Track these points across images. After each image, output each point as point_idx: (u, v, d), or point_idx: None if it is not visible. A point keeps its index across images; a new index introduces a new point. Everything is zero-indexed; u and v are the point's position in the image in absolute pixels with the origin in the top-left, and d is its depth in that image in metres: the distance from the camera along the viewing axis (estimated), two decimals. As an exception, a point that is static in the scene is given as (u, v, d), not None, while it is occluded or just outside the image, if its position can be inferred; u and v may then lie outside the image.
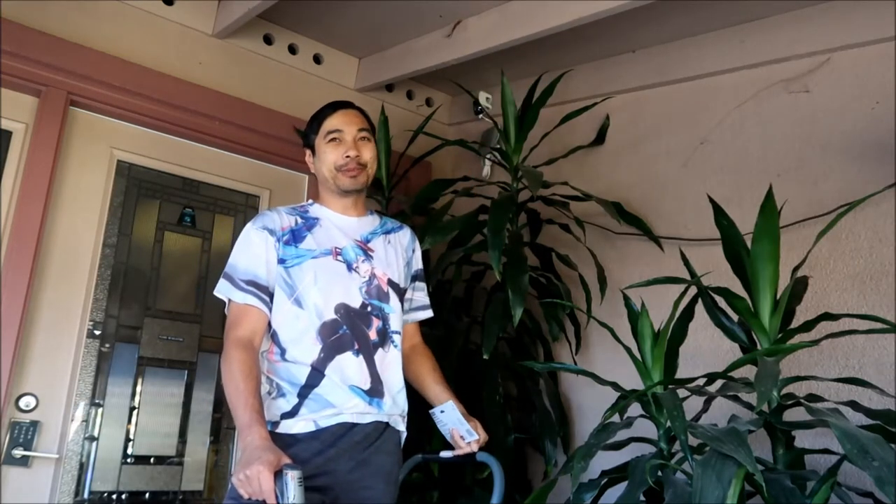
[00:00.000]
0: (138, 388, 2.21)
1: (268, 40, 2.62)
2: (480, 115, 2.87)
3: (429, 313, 1.80)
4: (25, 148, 2.09)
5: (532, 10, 2.22)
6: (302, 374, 1.48)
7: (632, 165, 2.43)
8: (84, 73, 2.16)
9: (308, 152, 1.71)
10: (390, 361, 1.57)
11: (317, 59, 2.74)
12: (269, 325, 1.53)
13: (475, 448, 1.57)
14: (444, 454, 1.64)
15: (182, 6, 2.41)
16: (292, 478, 1.17)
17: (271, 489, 1.17)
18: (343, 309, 1.53)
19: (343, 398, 1.47)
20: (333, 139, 1.63)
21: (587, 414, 2.31)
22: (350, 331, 1.52)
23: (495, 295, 2.17)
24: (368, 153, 1.65)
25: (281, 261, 1.54)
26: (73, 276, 2.13)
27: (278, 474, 1.18)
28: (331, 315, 1.52)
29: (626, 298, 1.63)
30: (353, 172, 1.61)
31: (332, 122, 1.65)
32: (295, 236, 1.57)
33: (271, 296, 1.53)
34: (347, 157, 1.61)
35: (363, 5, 2.41)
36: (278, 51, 2.64)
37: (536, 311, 2.28)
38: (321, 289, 1.52)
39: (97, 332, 2.16)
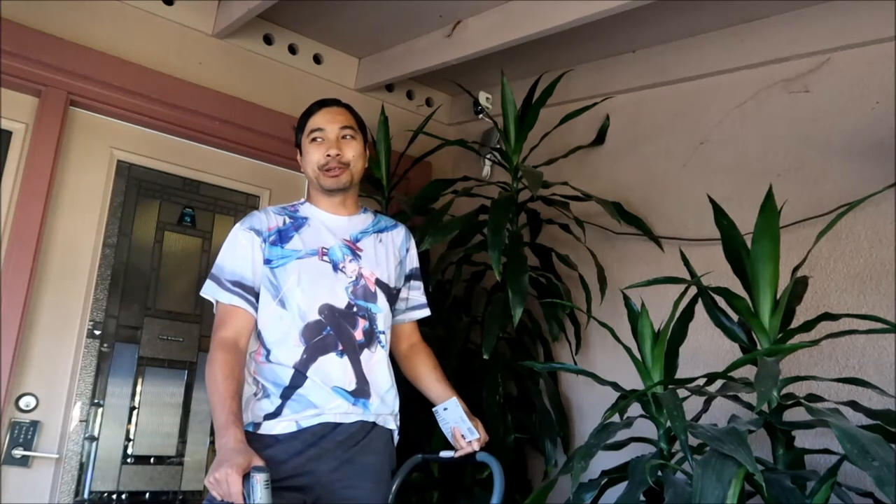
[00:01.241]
0: (138, 388, 2.21)
1: (268, 40, 2.62)
2: (480, 115, 2.87)
3: (426, 312, 1.79)
4: (25, 148, 2.09)
5: (532, 10, 2.22)
6: (285, 376, 1.47)
7: (632, 165, 2.43)
8: (84, 73, 2.16)
9: (299, 152, 1.71)
10: (377, 362, 1.56)
11: (317, 59, 2.74)
12: (256, 325, 1.53)
13: (476, 447, 1.57)
14: (444, 454, 1.64)
15: (182, 6, 2.41)
16: (258, 480, 1.19)
17: (239, 492, 1.19)
18: (327, 310, 1.52)
19: (326, 399, 1.47)
20: (315, 139, 1.62)
21: (587, 414, 2.31)
22: (334, 332, 1.51)
23: (495, 295, 2.17)
24: (351, 151, 1.63)
25: (267, 261, 1.54)
26: (73, 277, 2.13)
27: (247, 477, 1.20)
28: (314, 316, 1.51)
29: (626, 298, 1.63)
30: (335, 172, 1.60)
31: (315, 120, 1.64)
32: (281, 236, 1.57)
33: (258, 296, 1.52)
34: (328, 156, 1.60)
35: (363, 5, 2.40)
36: (278, 51, 2.64)
37: (536, 311, 2.28)
38: (304, 290, 1.51)
39: (97, 332, 2.16)
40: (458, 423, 1.58)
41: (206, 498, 1.36)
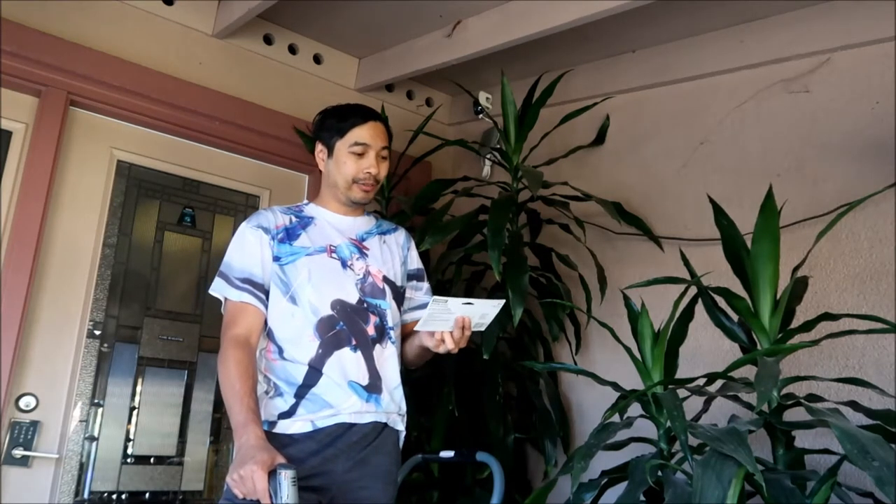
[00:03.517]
0: (138, 388, 2.21)
1: (268, 40, 2.62)
2: (480, 115, 2.87)
3: None
4: (25, 148, 2.09)
5: (532, 10, 2.22)
6: (299, 374, 1.47)
7: (632, 165, 2.43)
8: (84, 73, 2.16)
9: (321, 148, 1.67)
10: (388, 357, 1.57)
11: (317, 59, 2.74)
12: (266, 323, 1.53)
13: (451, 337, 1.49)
14: (444, 454, 1.63)
15: (182, 6, 2.41)
16: (286, 477, 1.16)
17: (265, 489, 1.17)
18: (339, 305, 1.53)
19: (341, 397, 1.47)
20: (358, 152, 1.61)
21: (587, 414, 2.31)
22: (347, 327, 1.52)
23: (495, 295, 2.17)
24: (385, 170, 1.66)
25: (276, 258, 1.54)
26: (73, 276, 2.13)
27: (272, 474, 1.18)
28: (327, 311, 1.51)
29: (626, 298, 1.63)
30: (368, 188, 1.62)
31: (362, 133, 1.62)
32: (289, 234, 1.58)
33: (267, 293, 1.53)
34: (368, 173, 1.61)
35: (363, 5, 2.41)
36: (278, 51, 2.64)
37: (536, 311, 2.28)
38: (315, 286, 1.52)
39: (97, 332, 2.16)
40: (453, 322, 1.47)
41: (224, 496, 1.35)
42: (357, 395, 1.49)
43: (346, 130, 1.62)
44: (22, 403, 1.98)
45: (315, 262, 1.55)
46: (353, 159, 1.61)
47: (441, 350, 1.49)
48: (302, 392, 1.46)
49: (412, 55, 2.63)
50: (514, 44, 2.30)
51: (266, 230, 1.56)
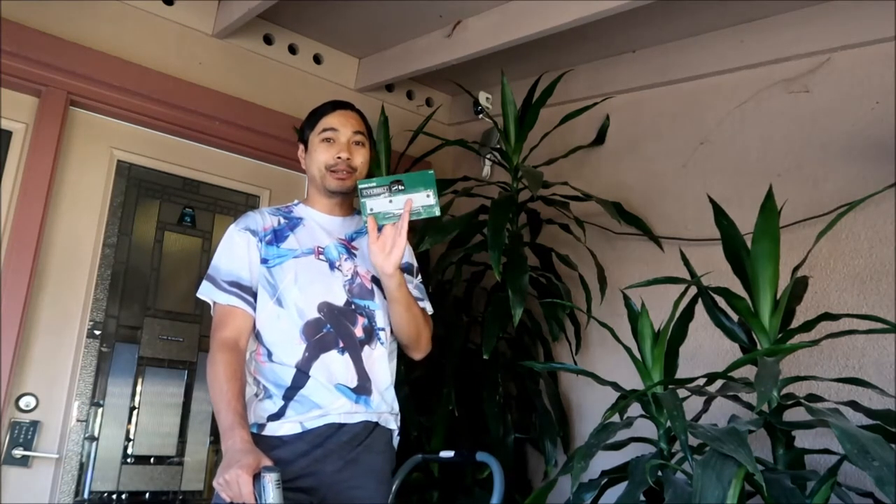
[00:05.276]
0: (138, 388, 2.21)
1: (268, 40, 2.62)
2: (480, 115, 2.87)
3: (423, 305, 1.69)
4: (25, 148, 2.09)
5: (532, 10, 2.22)
6: (287, 376, 1.47)
7: (632, 165, 2.43)
8: (84, 73, 2.16)
9: (301, 147, 1.70)
10: (377, 358, 1.56)
11: (317, 59, 2.74)
12: (255, 325, 1.53)
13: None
14: (444, 454, 1.63)
15: (182, 6, 2.41)
16: (270, 480, 1.18)
17: (250, 492, 1.18)
18: (326, 307, 1.52)
19: (329, 399, 1.46)
20: (327, 138, 1.62)
21: (587, 414, 2.31)
22: (334, 329, 1.51)
23: (495, 295, 2.17)
24: (360, 158, 1.63)
25: (263, 261, 1.54)
26: (73, 276, 2.13)
27: (257, 477, 1.19)
28: (313, 314, 1.51)
29: (626, 298, 1.63)
30: (342, 175, 1.60)
31: (329, 120, 1.64)
32: (277, 236, 1.57)
33: (255, 296, 1.52)
34: (338, 158, 1.60)
35: (363, 5, 2.41)
36: (278, 51, 2.64)
37: (536, 311, 2.28)
38: (302, 288, 1.51)
39: (97, 332, 2.16)
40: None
41: (214, 500, 1.36)
42: (345, 397, 1.48)
43: (316, 121, 1.65)
44: (22, 403, 1.98)
45: (302, 265, 1.54)
46: (325, 147, 1.61)
47: (395, 254, 1.46)
48: (290, 394, 1.46)
49: (412, 55, 2.63)
50: (514, 44, 2.30)
51: (254, 232, 1.55)
